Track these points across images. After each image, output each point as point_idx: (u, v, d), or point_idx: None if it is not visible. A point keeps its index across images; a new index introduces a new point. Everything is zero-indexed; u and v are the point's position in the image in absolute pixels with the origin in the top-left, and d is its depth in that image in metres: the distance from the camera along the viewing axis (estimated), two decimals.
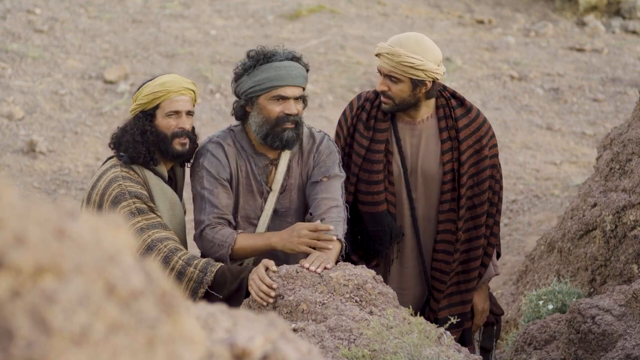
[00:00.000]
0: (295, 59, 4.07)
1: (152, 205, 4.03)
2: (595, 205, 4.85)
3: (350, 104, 4.41)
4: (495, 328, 4.61)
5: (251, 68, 4.06)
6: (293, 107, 4.02)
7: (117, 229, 1.45)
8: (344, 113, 4.42)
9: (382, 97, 4.22)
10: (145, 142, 4.04)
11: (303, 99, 4.11)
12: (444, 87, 4.35)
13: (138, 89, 4.14)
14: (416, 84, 4.15)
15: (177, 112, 4.05)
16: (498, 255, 4.60)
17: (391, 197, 4.32)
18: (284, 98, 4.02)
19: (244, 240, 3.99)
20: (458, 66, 11.12)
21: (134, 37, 11.40)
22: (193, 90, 4.11)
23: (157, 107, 4.06)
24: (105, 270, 1.37)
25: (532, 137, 9.68)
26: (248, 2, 12.70)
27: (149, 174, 4.08)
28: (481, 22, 12.62)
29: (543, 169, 8.99)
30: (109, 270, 1.37)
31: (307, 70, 4.14)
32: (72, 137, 9.28)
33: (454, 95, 4.36)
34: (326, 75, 10.75)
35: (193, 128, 4.18)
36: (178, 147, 4.05)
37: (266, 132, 4.05)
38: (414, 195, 4.34)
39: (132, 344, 1.35)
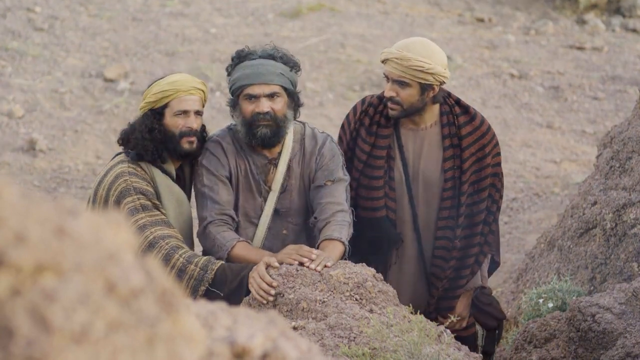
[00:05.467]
0: (272, 57, 4.07)
1: (157, 202, 4.04)
2: (595, 203, 4.85)
3: (354, 108, 4.40)
4: (497, 332, 4.59)
5: (230, 68, 4.12)
6: (264, 105, 4.02)
7: (117, 228, 1.45)
8: (347, 117, 4.41)
9: (389, 104, 4.19)
10: (152, 140, 4.06)
11: (292, 96, 4.10)
12: (449, 94, 4.34)
13: (148, 87, 4.17)
14: (425, 88, 4.15)
15: (185, 112, 4.07)
16: (497, 265, 4.56)
17: (391, 203, 4.31)
18: (253, 97, 4.03)
19: (241, 250, 4.00)
20: (458, 65, 11.11)
21: (134, 35, 11.40)
22: (202, 90, 4.12)
23: (166, 105, 4.08)
24: (106, 268, 1.37)
25: (532, 136, 9.68)
26: (248, 0, 12.69)
27: (156, 172, 4.10)
28: (481, 20, 12.62)
29: (543, 167, 8.99)
30: (109, 269, 1.37)
31: (294, 68, 4.12)
32: (72, 136, 9.28)
33: (458, 102, 4.34)
34: (326, 73, 10.75)
35: (204, 127, 4.20)
36: (186, 146, 4.07)
37: (245, 131, 4.08)
38: (416, 202, 4.33)
39: (132, 342, 1.35)
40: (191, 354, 1.45)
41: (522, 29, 12.39)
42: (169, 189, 4.11)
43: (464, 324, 4.45)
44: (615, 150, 4.88)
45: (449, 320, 3.51)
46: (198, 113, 4.10)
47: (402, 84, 4.14)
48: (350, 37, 11.68)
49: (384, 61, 4.19)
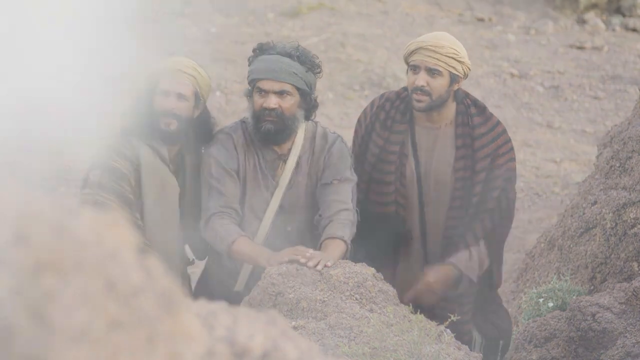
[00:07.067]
0: (289, 55, 4.08)
1: (122, 186, 4.03)
2: (595, 203, 4.85)
3: (372, 102, 4.40)
4: (501, 343, 4.49)
5: (252, 59, 4.16)
6: (271, 102, 4.04)
7: (117, 227, 1.45)
8: (364, 111, 4.41)
9: (416, 95, 4.16)
10: (137, 110, 4.11)
11: (305, 96, 4.10)
12: (466, 95, 4.34)
13: None
14: (453, 79, 4.17)
15: (166, 92, 4.09)
16: (498, 284, 4.49)
17: (401, 199, 4.30)
18: (263, 91, 4.05)
19: (242, 246, 3.99)
20: None
21: None
22: (193, 76, 4.12)
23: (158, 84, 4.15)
24: (106, 267, 1.37)
25: (532, 135, 9.68)
26: None
27: (146, 150, 4.11)
28: (481, 19, 12.62)
29: (543, 166, 8.99)
30: (109, 268, 1.38)
31: (312, 70, 4.13)
32: (73, 135, 9.27)
33: (475, 103, 4.33)
34: (326, 73, 10.69)
35: (209, 116, 4.20)
36: (162, 126, 4.09)
37: (253, 124, 4.11)
38: (426, 200, 4.31)
39: (133, 341, 1.35)
40: (191, 353, 1.45)
41: (522, 29, 12.39)
42: (153, 169, 4.11)
43: (433, 298, 4.20)
44: (615, 150, 4.88)
45: (449, 321, 3.50)
46: (181, 96, 4.09)
47: (434, 72, 4.14)
48: (350, 36, 11.68)
49: (413, 52, 4.17)
